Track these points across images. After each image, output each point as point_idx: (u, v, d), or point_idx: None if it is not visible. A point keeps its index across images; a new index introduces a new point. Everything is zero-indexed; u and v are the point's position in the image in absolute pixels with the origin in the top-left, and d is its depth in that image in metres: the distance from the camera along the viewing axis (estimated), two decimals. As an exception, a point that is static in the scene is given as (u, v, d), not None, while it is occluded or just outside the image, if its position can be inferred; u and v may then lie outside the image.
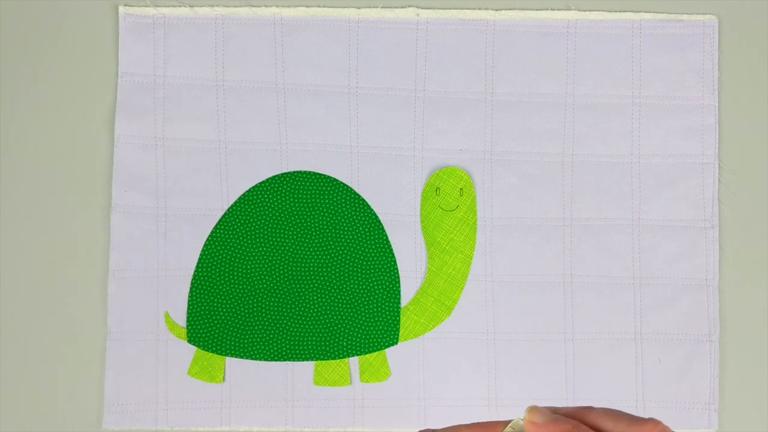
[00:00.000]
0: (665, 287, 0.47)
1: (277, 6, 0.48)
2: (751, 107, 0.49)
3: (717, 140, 0.48)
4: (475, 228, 0.47)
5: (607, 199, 0.48)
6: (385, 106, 0.48)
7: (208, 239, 0.47)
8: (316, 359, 0.47)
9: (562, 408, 0.30)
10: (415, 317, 0.47)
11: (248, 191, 0.48)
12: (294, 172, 0.48)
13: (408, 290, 0.48)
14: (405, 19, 0.48)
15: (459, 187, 0.47)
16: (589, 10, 0.48)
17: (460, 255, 0.47)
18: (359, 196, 0.48)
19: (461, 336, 0.47)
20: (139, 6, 0.48)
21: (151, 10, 0.48)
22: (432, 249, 0.47)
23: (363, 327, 0.47)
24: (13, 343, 0.47)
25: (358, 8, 0.48)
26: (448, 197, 0.47)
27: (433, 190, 0.47)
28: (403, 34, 0.48)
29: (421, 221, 0.47)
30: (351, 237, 0.47)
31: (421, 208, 0.48)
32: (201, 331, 0.47)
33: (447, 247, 0.47)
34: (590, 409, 0.30)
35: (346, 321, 0.47)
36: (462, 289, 0.47)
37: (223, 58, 0.48)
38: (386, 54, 0.48)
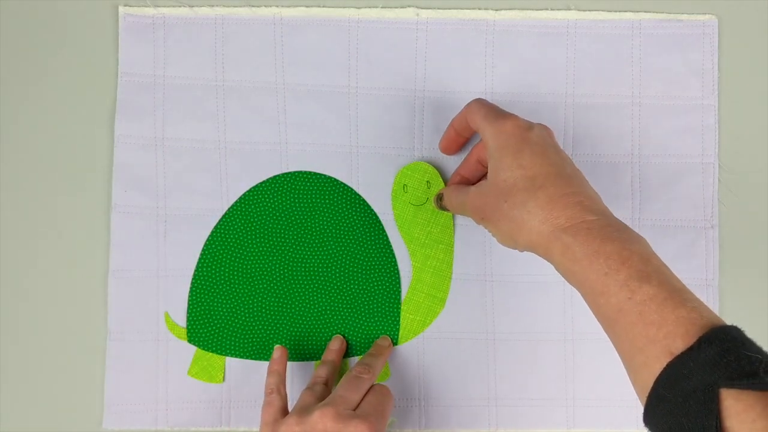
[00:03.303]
0: (665, 287, 0.47)
1: (277, 6, 0.48)
2: (751, 107, 0.49)
3: (717, 140, 0.48)
4: (451, 217, 0.47)
5: (607, 199, 0.47)
6: (385, 106, 0.48)
7: (208, 239, 0.47)
8: (316, 359, 0.47)
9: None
10: (411, 316, 0.47)
11: (248, 191, 0.48)
12: (294, 172, 0.48)
13: (407, 290, 0.48)
14: (405, 19, 0.48)
15: (425, 180, 0.47)
16: (589, 10, 0.48)
17: (440, 246, 0.47)
18: (359, 196, 0.48)
19: (461, 336, 0.47)
20: (139, 6, 0.48)
21: (151, 10, 0.48)
22: (412, 246, 0.47)
23: (363, 327, 0.47)
24: (14, 343, 0.47)
25: (358, 8, 0.48)
26: (416, 192, 0.47)
27: (400, 188, 0.47)
28: (403, 34, 0.48)
29: (396, 220, 0.47)
30: (351, 237, 0.47)
31: (393, 208, 0.47)
32: (201, 331, 0.47)
33: (426, 241, 0.47)
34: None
35: (347, 321, 0.47)
36: (450, 278, 0.47)
37: (223, 58, 0.48)
38: (386, 54, 0.48)
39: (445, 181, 0.47)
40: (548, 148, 0.38)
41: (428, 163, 0.47)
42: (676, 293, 0.32)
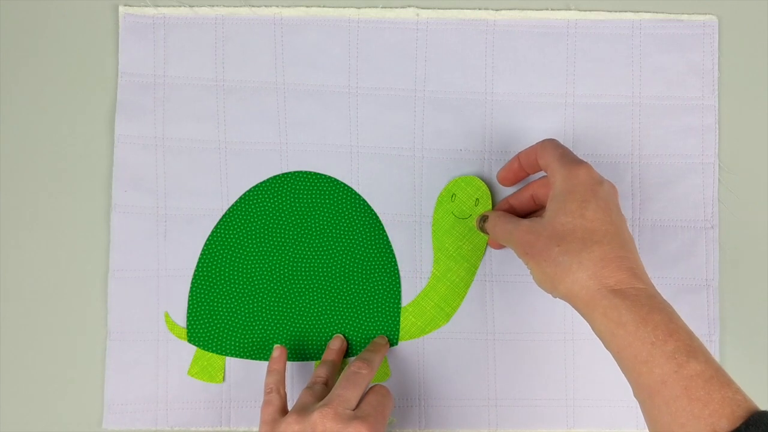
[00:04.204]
0: (665, 287, 0.47)
1: (277, 6, 0.48)
2: (751, 107, 0.49)
3: (717, 140, 0.48)
4: (485, 240, 0.47)
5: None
6: (385, 106, 0.48)
7: (208, 239, 0.47)
8: (316, 359, 0.47)
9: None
10: (413, 319, 0.47)
11: (248, 191, 0.48)
12: (294, 172, 0.48)
13: (407, 291, 0.48)
14: (405, 19, 0.48)
15: (475, 197, 0.47)
16: (589, 10, 0.48)
17: (465, 263, 0.47)
18: (359, 196, 0.48)
19: (461, 336, 0.47)
20: (139, 6, 0.48)
21: (151, 10, 0.48)
22: (439, 254, 0.47)
23: (363, 327, 0.47)
24: (14, 343, 0.47)
25: (358, 8, 0.48)
26: (462, 205, 0.47)
27: (449, 195, 0.47)
28: (403, 34, 0.48)
29: (433, 225, 0.47)
30: (351, 237, 0.47)
31: (434, 212, 0.47)
32: (201, 331, 0.47)
33: (454, 254, 0.47)
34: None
35: (346, 321, 0.47)
36: (463, 297, 0.47)
37: (223, 58, 0.48)
38: (386, 54, 0.48)
39: (493, 205, 0.47)
40: (613, 207, 0.38)
41: (483, 180, 0.47)
42: (720, 373, 0.33)
